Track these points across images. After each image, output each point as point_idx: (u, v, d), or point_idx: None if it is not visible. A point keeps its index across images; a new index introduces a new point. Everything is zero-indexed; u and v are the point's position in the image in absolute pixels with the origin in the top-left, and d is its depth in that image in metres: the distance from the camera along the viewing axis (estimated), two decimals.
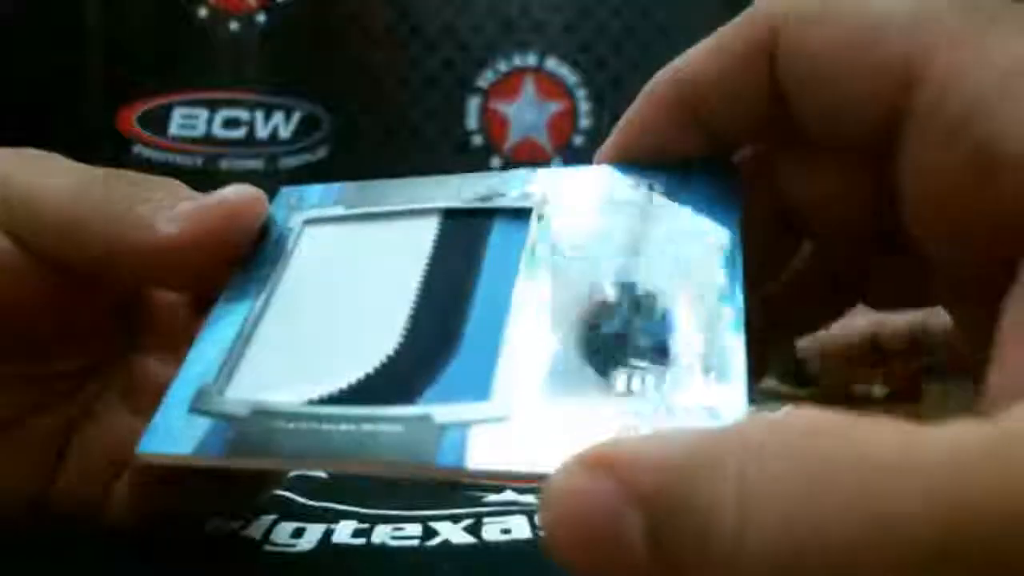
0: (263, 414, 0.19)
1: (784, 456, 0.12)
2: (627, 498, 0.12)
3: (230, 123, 0.52)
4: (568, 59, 0.55)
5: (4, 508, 0.23)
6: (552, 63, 0.55)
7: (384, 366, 0.20)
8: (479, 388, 0.18)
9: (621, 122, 0.22)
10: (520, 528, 0.26)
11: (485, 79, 0.54)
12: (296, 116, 0.53)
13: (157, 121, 0.51)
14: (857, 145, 0.19)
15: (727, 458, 0.12)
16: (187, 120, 0.52)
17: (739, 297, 0.18)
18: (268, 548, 0.24)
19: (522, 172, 0.23)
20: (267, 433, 0.19)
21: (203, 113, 0.52)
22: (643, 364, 0.17)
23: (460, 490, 0.29)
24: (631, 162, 0.21)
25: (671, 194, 0.21)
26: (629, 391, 0.17)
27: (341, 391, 0.19)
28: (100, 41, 0.51)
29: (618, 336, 0.18)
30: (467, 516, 0.27)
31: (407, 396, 0.19)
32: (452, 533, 0.25)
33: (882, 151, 0.18)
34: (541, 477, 0.13)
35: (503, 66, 0.55)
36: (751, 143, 0.21)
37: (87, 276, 0.23)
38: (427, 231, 0.22)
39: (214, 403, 0.20)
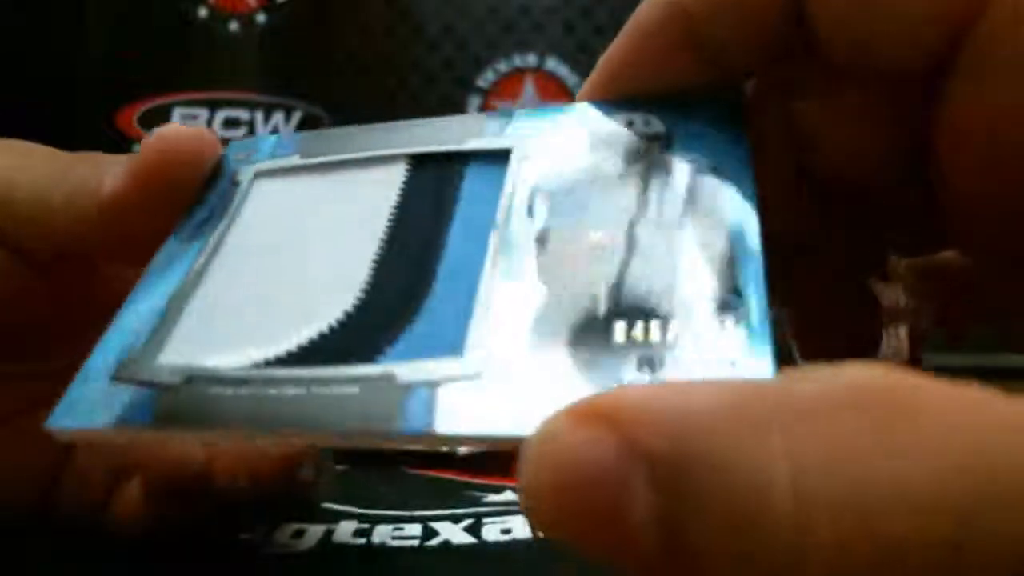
0: (198, 379, 0.16)
1: (863, 425, 0.09)
2: (632, 457, 0.10)
3: (230, 123, 0.52)
4: (568, 59, 0.55)
5: (5, 509, 0.23)
6: (552, 63, 0.55)
7: (341, 324, 0.17)
8: (450, 344, 0.15)
9: (608, 53, 0.18)
10: (520, 528, 0.26)
11: (485, 79, 0.54)
12: (296, 116, 0.53)
13: (157, 121, 0.51)
14: (899, 76, 0.16)
15: (771, 415, 0.09)
16: (187, 120, 0.52)
17: (755, 232, 0.15)
18: (269, 548, 0.24)
19: (499, 114, 0.20)
20: (202, 400, 0.16)
21: (203, 113, 0.52)
22: (644, 309, 0.15)
23: (460, 489, 0.29)
24: (621, 98, 0.19)
25: (671, 130, 0.18)
26: (629, 341, 0.14)
27: (290, 353, 0.17)
28: (100, 41, 0.51)
29: (614, 281, 0.15)
30: (467, 516, 0.27)
31: (366, 355, 0.16)
32: (452, 533, 0.25)
33: (929, 84, 0.15)
34: (522, 440, 0.11)
35: (503, 66, 0.55)
36: (762, 72, 0.18)
37: (70, 267, 0.22)
38: (393, 178, 0.20)
39: (141, 370, 0.17)
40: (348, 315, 0.17)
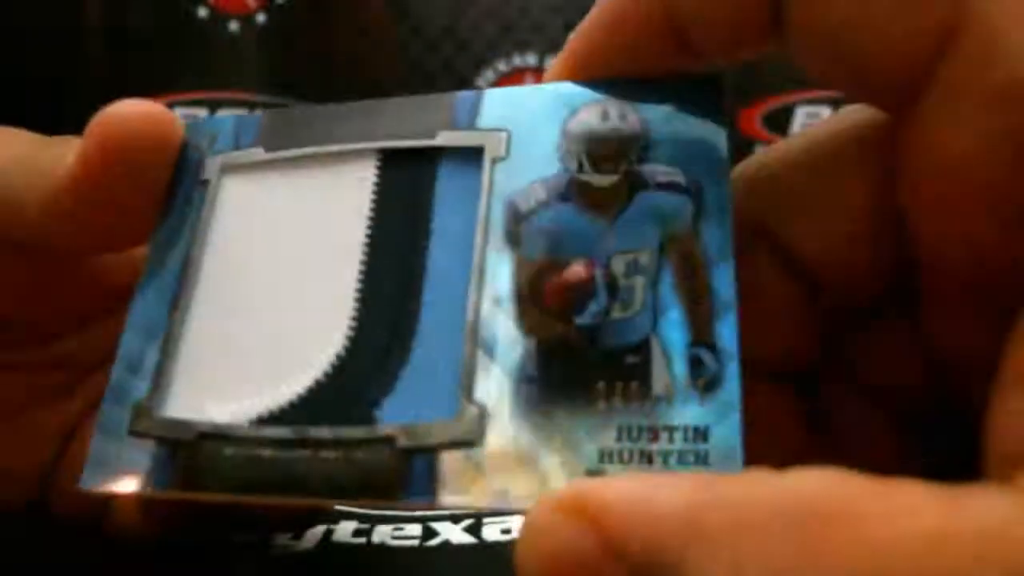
0: (210, 438, 0.17)
1: (791, 540, 0.10)
2: (610, 556, 0.11)
3: None
4: None
5: (3, 505, 0.23)
6: (552, 63, 0.55)
7: (335, 369, 0.18)
8: (442, 399, 0.16)
9: (579, 33, 0.18)
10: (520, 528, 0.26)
11: (485, 79, 0.54)
12: None
13: None
14: (872, 92, 0.16)
15: (722, 528, 0.11)
16: (187, 120, 0.52)
17: (729, 267, 0.16)
18: (268, 548, 0.24)
19: (469, 96, 0.19)
20: (218, 462, 0.17)
21: (203, 113, 0.52)
22: (623, 366, 0.15)
23: None
24: (593, 79, 0.18)
25: (648, 129, 0.17)
26: (610, 406, 0.15)
27: (292, 404, 0.18)
28: (100, 41, 0.51)
29: (593, 330, 0.16)
30: (467, 516, 0.27)
31: (363, 410, 0.17)
32: (452, 533, 0.25)
33: (900, 111, 0.15)
34: (518, 511, 0.12)
35: (503, 66, 0.55)
36: (737, 58, 0.18)
37: (57, 254, 0.22)
38: (364, 180, 0.19)
39: (154, 424, 0.18)
40: (340, 358, 0.18)
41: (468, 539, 0.25)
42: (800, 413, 0.19)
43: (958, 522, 0.10)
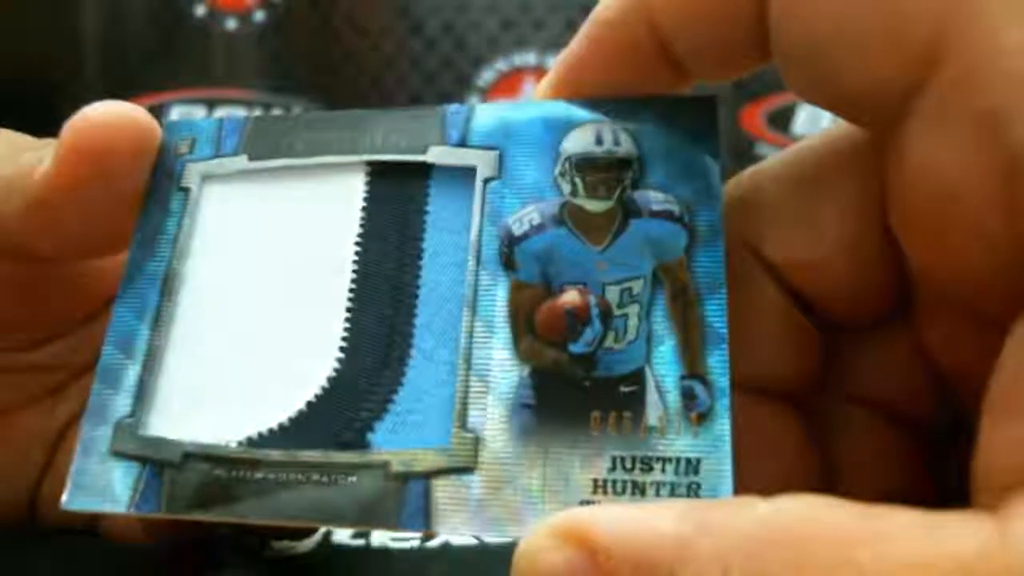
0: (196, 458, 0.17)
1: (778, 564, 0.11)
2: None
3: None
4: None
5: None
6: (552, 62, 0.55)
7: (325, 391, 0.17)
8: (435, 425, 0.16)
9: (570, 50, 0.18)
10: None
11: (484, 78, 0.54)
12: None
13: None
14: (853, 115, 0.16)
15: (710, 558, 0.11)
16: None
17: (721, 299, 0.16)
18: (269, 549, 0.24)
19: (460, 111, 0.19)
20: (205, 484, 0.17)
21: (201, 111, 0.52)
22: (617, 396, 0.15)
23: None
24: (585, 98, 0.18)
25: (642, 153, 0.17)
26: (604, 436, 0.15)
27: (281, 426, 0.17)
28: (98, 39, 0.50)
29: (587, 359, 0.16)
30: None
31: (355, 434, 0.17)
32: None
33: (885, 133, 0.15)
34: (511, 540, 0.13)
35: (503, 65, 0.55)
36: (725, 76, 0.18)
37: (41, 258, 0.22)
38: (353, 194, 0.19)
39: (137, 444, 0.17)
40: (331, 380, 0.17)
41: (468, 540, 0.25)
42: (800, 428, 0.19)
43: (937, 550, 0.10)
